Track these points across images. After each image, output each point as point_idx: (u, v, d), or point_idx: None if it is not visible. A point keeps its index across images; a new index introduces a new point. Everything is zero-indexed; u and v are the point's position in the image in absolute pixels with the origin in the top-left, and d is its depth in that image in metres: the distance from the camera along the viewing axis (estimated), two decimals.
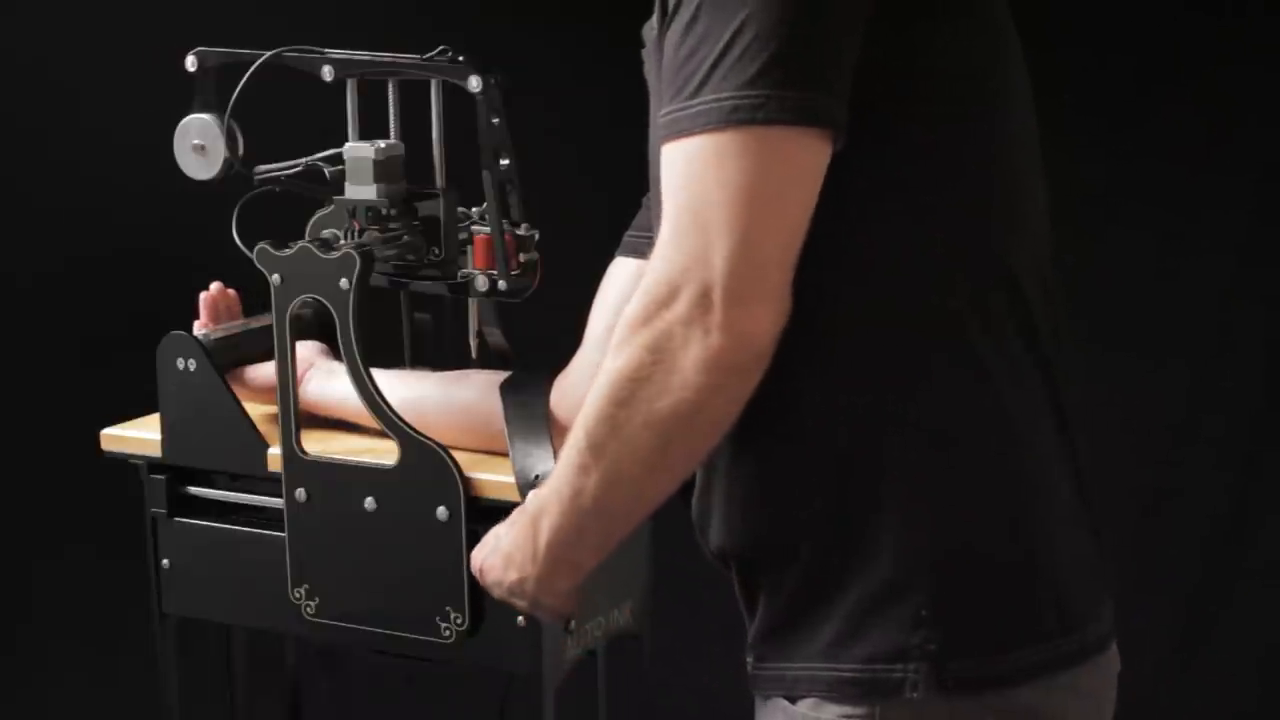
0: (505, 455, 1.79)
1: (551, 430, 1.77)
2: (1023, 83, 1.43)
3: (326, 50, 1.94)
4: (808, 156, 1.26)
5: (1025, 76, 1.44)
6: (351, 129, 1.95)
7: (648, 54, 1.44)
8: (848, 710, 1.36)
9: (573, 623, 1.83)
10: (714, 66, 1.25)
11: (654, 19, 1.39)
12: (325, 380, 1.91)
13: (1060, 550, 1.39)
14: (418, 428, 1.79)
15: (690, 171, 1.26)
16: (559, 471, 1.39)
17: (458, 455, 1.80)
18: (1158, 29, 3.00)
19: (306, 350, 1.94)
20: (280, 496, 1.88)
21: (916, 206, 1.34)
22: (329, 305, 1.82)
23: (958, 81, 1.34)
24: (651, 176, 1.47)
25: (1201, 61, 3.00)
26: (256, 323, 2.02)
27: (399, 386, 1.86)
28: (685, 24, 1.28)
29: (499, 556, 1.51)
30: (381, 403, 1.81)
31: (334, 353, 1.91)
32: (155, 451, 1.97)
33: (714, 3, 1.27)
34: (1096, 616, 1.42)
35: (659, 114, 1.30)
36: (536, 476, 1.73)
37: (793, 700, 1.40)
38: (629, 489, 1.36)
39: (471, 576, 1.78)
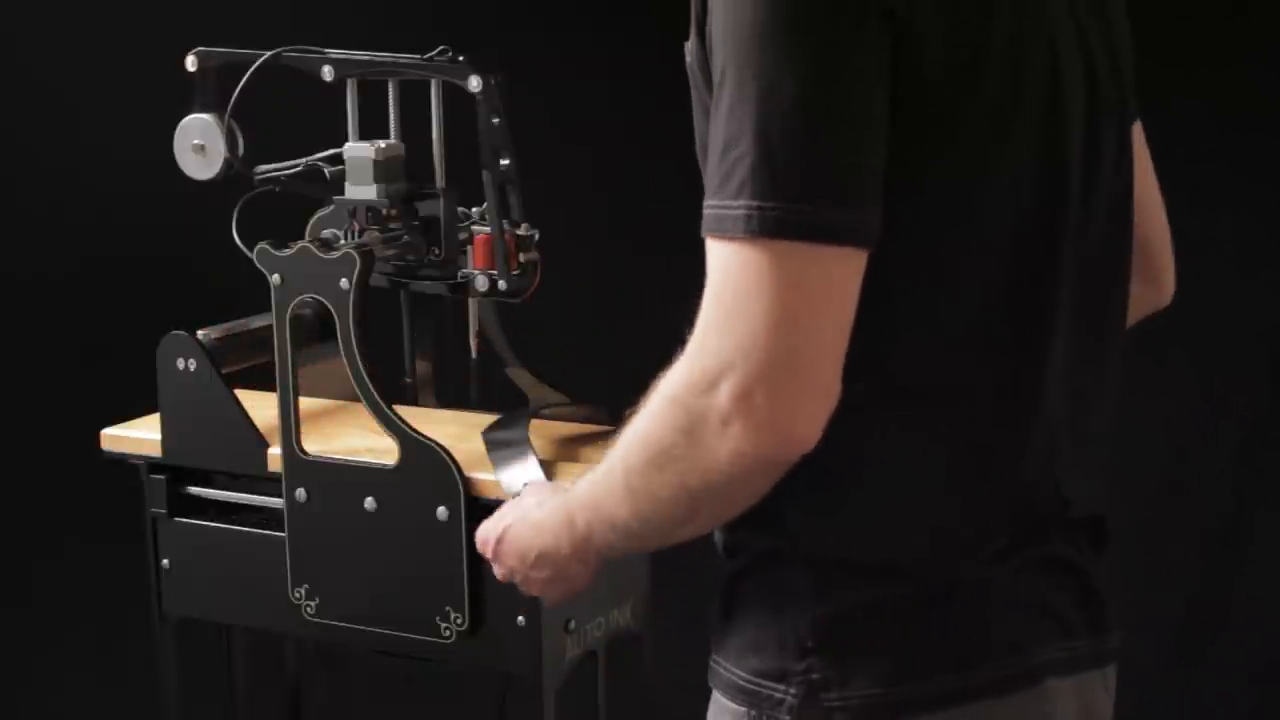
0: None
1: (533, 450, 1.82)
2: (1053, 122, 1.40)
3: (326, 50, 1.94)
4: (847, 270, 1.27)
5: (1061, 104, 1.40)
6: (351, 129, 1.95)
7: (688, 68, 1.43)
8: (741, 712, 1.41)
9: (572, 622, 1.84)
10: (754, 170, 1.26)
11: (692, 40, 1.38)
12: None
13: (981, 582, 1.39)
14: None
15: (732, 272, 1.27)
16: (601, 481, 1.41)
17: (458, 455, 1.80)
18: (1165, 28, 3.00)
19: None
20: (280, 496, 1.88)
21: (916, 294, 1.35)
22: (329, 305, 1.82)
23: (956, 173, 1.34)
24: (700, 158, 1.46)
25: (1210, 59, 2.99)
26: (257, 322, 2.02)
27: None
28: (727, 108, 1.28)
29: (527, 526, 1.52)
30: (381, 402, 1.81)
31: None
32: (155, 451, 1.97)
33: (754, 98, 1.26)
34: (1018, 649, 1.41)
35: (705, 200, 1.30)
36: (525, 484, 1.75)
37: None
38: (657, 531, 1.40)
39: (471, 577, 1.79)
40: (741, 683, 1.41)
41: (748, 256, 1.26)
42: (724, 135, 1.28)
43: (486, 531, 1.58)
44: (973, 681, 1.39)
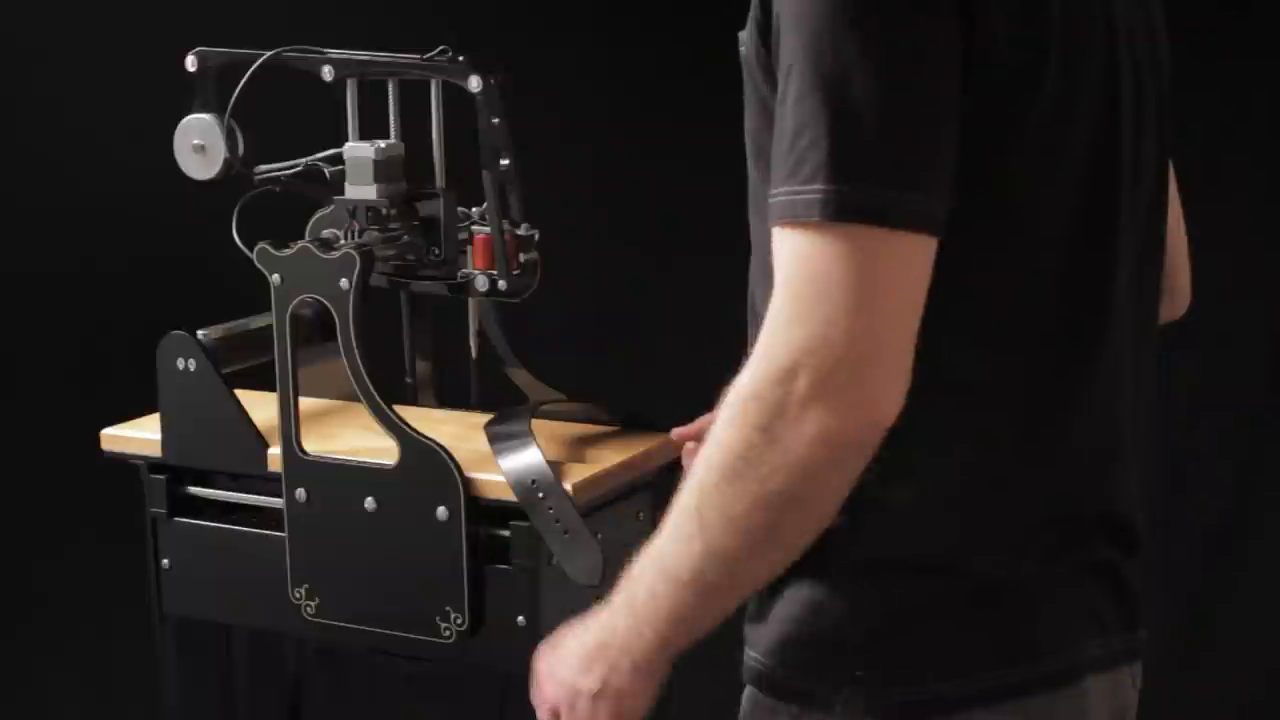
0: None
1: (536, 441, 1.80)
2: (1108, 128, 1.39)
3: (326, 50, 1.94)
4: (920, 255, 1.27)
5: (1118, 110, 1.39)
6: (351, 129, 1.95)
7: (743, 59, 1.43)
8: (780, 707, 1.40)
9: None
10: (829, 155, 1.25)
11: (749, 31, 1.37)
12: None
13: (1028, 581, 1.39)
14: None
15: (805, 258, 1.26)
16: (665, 530, 1.35)
17: (458, 455, 1.80)
18: (1184, 29, 3.00)
19: None
20: (280, 496, 1.88)
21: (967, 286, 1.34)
22: (329, 305, 1.82)
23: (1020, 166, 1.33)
24: (750, 165, 1.45)
25: (1207, 54, 2.99)
26: (257, 322, 2.02)
27: None
28: (797, 95, 1.27)
29: (573, 658, 1.41)
30: (381, 402, 1.81)
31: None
32: (155, 451, 1.97)
33: (826, 84, 1.25)
34: (1062, 647, 1.41)
35: (772, 190, 1.29)
36: (534, 482, 1.74)
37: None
38: (733, 567, 1.33)
39: (471, 577, 1.79)
40: (781, 679, 1.39)
41: (823, 240, 1.25)
42: (794, 122, 1.27)
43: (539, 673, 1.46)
44: (1017, 678, 1.38)
